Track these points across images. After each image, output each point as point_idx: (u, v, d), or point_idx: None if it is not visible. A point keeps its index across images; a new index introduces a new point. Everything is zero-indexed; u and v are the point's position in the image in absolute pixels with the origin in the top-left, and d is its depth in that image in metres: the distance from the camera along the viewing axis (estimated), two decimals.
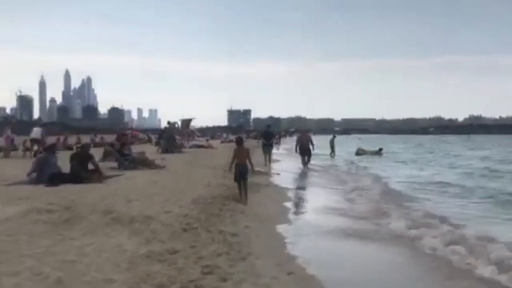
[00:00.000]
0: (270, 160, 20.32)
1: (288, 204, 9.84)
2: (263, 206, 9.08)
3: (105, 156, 16.11)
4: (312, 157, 19.71)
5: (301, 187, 13.61)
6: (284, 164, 21.41)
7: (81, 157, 11.51)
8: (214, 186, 10.89)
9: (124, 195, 8.74)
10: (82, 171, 11.08)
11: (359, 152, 31.06)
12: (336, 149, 30.19)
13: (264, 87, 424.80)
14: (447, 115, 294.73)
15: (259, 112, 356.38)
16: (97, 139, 34.70)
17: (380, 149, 31.91)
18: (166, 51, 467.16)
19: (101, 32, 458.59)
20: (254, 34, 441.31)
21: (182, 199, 8.71)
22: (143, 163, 14.60)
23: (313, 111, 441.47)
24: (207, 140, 37.77)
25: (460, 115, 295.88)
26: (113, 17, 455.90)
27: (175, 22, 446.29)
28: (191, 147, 32.91)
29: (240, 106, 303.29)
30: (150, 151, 24.44)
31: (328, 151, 30.17)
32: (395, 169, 21.46)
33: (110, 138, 33.15)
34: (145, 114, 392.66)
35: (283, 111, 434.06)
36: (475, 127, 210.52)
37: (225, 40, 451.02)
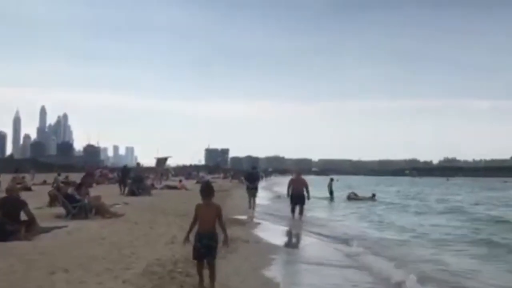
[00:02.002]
0: (254, 205, 18.66)
1: (273, 274, 7.31)
2: (239, 276, 6.71)
3: (52, 202, 13.60)
4: (311, 200, 16.43)
5: (291, 246, 10.91)
6: (269, 208, 19.35)
7: (11, 205, 9.04)
8: (179, 243, 8.51)
9: (50, 262, 6.33)
10: (9, 223, 8.60)
11: (351, 197, 28.72)
12: (322, 192, 28.23)
13: (242, 126, 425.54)
14: (422, 157, 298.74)
15: (237, 151, 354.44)
16: (62, 178, 31.95)
17: (373, 195, 29.60)
18: (144, 89, 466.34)
19: (79, 69, 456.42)
20: (232, 74, 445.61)
21: (130, 268, 6.36)
22: (96, 210, 12.13)
23: (291, 151, 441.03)
24: (180, 181, 35.21)
25: (435, 157, 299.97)
26: (91, 55, 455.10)
27: (152, 60, 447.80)
28: (162, 188, 30.39)
29: (218, 145, 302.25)
30: (116, 193, 21.98)
31: (325, 193, 28.51)
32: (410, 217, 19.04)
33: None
34: (122, 151, 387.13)
35: (261, 150, 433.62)
36: (450, 169, 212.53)
37: (203, 79, 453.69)
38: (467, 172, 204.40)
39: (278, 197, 27.31)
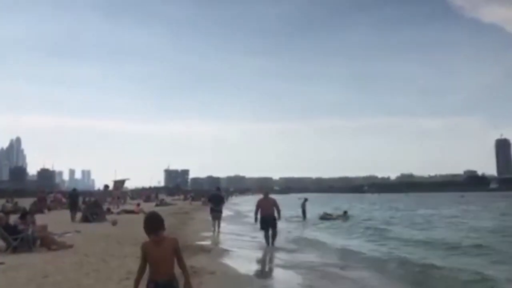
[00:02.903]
0: (219, 229, 17.64)
1: None
2: None
3: None
4: (283, 220, 15.50)
5: (265, 276, 9.55)
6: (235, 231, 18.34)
7: None
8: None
9: None
10: None
11: (326, 217, 28.07)
12: (290, 212, 27.66)
13: (202, 147, 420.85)
14: (379, 173, 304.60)
15: (197, 172, 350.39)
16: (10, 205, 29.73)
17: (345, 212, 29.39)
18: (99, 111, 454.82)
19: (33, 91, 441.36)
20: (190, 94, 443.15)
21: None
22: (42, 241, 10.78)
23: (252, 170, 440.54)
24: (138, 204, 33.54)
25: (392, 174, 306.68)
26: (44, 76, 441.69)
27: (108, 82, 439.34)
28: (119, 212, 28.68)
29: (177, 166, 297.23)
30: (69, 219, 20.34)
31: (293, 212, 28.43)
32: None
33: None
34: (78, 175, 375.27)
35: (222, 170, 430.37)
36: (407, 185, 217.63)
37: (161, 100, 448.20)
38: (424, 187, 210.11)
39: (242, 216, 26.41)
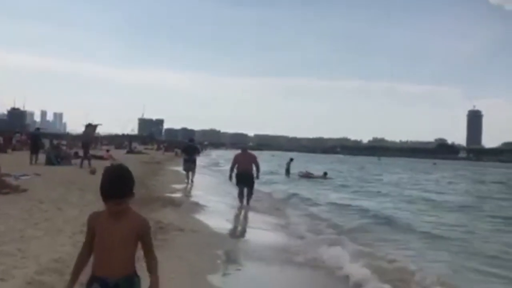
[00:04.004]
0: (192, 179, 17.05)
1: (222, 281, 5.33)
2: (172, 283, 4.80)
3: None
4: (266, 177, 14.75)
5: (239, 234, 8.84)
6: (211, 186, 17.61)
7: None
8: None
9: None
10: None
11: (307, 175, 28.16)
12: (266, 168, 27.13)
13: (178, 97, 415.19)
14: (352, 136, 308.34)
15: (172, 122, 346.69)
16: None
17: (325, 173, 29.27)
18: (73, 52, 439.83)
19: (4, 26, 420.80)
20: (169, 42, 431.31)
21: (6, 278, 4.29)
22: None
23: (227, 125, 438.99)
24: (108, 150, 32.19)
25: (365, 137, 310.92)
26: (17, 13, 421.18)
27: (84, 20, 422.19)
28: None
29: (152, 115, 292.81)
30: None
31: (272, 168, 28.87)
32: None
33: None
34: (50, 117, 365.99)
35: (197, 123, 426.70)
36: (378, 149, 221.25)
37: (137, 45, 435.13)
38: (394, 152, 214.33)
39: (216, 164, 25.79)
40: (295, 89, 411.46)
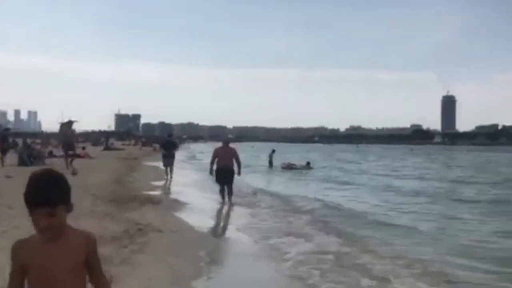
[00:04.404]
0: (171, 176, 16.74)
1: (201, 285, 4.98)
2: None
3: None
4: (247, 169, 14.29)
5: (219, 234, 8.20)
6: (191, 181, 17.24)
7: None
8: None
9: None
10: None
11: (290, 167, 27.91)
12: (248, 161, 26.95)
13: (155, 92, 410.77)
14: (330, 125, 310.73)
15: (149, 117, 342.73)
16: None
17: (308, 163, 29.08)
18: (47, 48, 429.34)
19: None
20: (144, 36, 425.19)
21: None
22: None
23: (205, 118, 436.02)
24: (83, 148, 31.40)
25: (342, 126, 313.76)
26: None
27: (56, 16, 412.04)
28: (62, 156, 26.64)
29: (129, 110, 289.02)
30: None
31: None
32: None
33: None
34: (24, 116, 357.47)
35: (175, 116, 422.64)
36: (356, 137, 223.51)
37: (111, 40, 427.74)
38: (372, 139, 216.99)
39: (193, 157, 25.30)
40: (272, 79, 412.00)
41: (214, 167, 11.60)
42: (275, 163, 29.63)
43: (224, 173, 11.42)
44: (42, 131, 64.42)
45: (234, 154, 11.68)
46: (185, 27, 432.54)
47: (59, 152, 29.89)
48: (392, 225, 9.38)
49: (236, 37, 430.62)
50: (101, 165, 21.42)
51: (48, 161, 21.36)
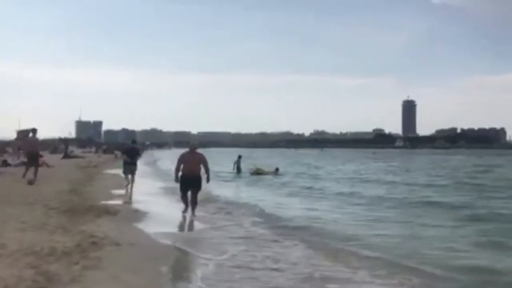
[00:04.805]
0: (132, 185, 15.84)
1: None
2: None
3: None
4: (213, 175, 13.13)
5: (182, 246, 7.23)
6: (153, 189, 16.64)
7: None
8: (7, 257, 5.50)
9: None
10: None
11: (258, 172, 27.42)
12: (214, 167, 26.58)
13: (116, 98, 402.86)
14: (295, 130, 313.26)
15: (112, 124, 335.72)
16: None
17: (277, 169, 28.76)
18: (3, 53, 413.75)
19: None
20: (105, 40, 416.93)
21: None
22: None
23: (169, 124, 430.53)
24: (41, 156, 30.10)
25: (306, 130, 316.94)
26: None
27: (12, 20, 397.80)
28: (17, 165, 25.46)
29: (90, 117, 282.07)
30: None
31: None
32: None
33: None
34: None
35: (138, 123, 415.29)
36: (320, 141, 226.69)
37: (70, 45, 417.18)
38: (335, 143, 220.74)
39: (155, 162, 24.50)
40: (237, 85, 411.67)
41: (180, 173, 10.81)
42: (242, 168, 29.24)
43: (190, 180, 10.60)
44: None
45: (202, 160, 10.84)
46: (148, 32, 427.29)
47: (14, 161, 28.68)
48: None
49: (199, 42, 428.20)
50: (58, 174, 20.54)
51: (1, 169, 20.32)
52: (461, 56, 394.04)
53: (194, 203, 10.71)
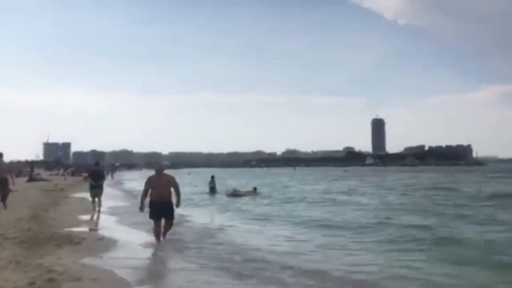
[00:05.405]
0: (99, 207, 15.66)
1: None
2: None
3: None
4: (185, 198, 12.69)
5: (148, 282, 6.41)
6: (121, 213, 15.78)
7: None
8: None
9: None
10: None
11: (235, 193, 26.42)
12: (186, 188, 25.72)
13: (85, 119, 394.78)
14: (267, 149, 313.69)
15: (80, 145, 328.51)
16: None
17: (255, 188, 28.20)
18: None
19: None
20: (73, 60, 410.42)
21: None
22: None
23: (139, 145, 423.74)
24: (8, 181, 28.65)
25: (278, 149, 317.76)
26: None
27: None
28: None
29: (58, 139, 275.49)
30: None
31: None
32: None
33: None
34: None
35: (107, 144, 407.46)
36: (292, 160, 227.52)
37: (40, 65, 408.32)
38: (308, 162, 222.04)
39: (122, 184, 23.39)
40: (206, 105, 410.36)
41: (147, 199, 9.75)
42: (218, 189, 28.63)
43: (160, 207, 9.55)
44: None
45: (171, 183, 9.85)
46: (115, 53, 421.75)
47: None
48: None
49: (167, 63, 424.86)
50: (20, 198, 19.39)
51: None
52: (427, 75, 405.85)
53: (168, 228, 9.86)
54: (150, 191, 9.73)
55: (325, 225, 13.57)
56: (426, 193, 28.12)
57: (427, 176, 59.70)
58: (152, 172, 10.17)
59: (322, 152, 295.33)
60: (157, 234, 9.75)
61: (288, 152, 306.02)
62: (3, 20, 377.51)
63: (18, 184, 30.09)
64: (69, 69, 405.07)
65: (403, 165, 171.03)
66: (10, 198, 18.21)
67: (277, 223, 14.20)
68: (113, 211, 16.30)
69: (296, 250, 9.35)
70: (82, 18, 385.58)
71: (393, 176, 62.67)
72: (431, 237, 10.93)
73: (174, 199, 9.88)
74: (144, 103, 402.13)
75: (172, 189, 9.84)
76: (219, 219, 15.28)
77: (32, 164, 72.36)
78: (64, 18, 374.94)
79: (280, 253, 8.93)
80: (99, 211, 15.60)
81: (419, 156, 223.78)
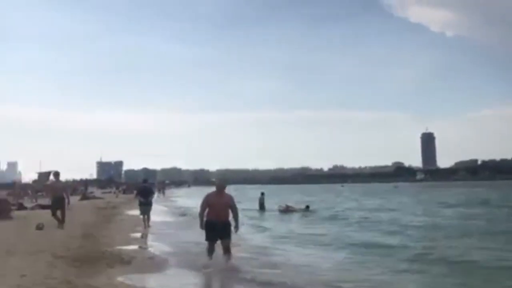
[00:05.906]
0: (148, 224, 15.86)
1: None
2: None
3: None
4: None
5: None
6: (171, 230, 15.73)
7: None
8: None
9: None
10: None
11: (287, 210, 26.65)
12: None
13: (136, 138, 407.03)
14: (313, 165, 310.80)
15: (132, 164, 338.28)
16: None
17: (307, 206, 27.72)
18: (24, 97, 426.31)
19: None
20: (124, 82, 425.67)
21: None
22: None
23: (188, 162, 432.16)
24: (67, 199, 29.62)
25: (325, 165, 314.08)
26: None
27: (34, 65, 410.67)
28: (33, 207, 24.96)
29: (111, 157, 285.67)
30: None
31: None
32: None
33: None
34: (3, 167, 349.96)
35: (158, 162, 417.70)
36: (339, 176, 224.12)
37: (92, 88, 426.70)
38: (355, 178, 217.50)
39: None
40: (252, 122, 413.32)
41: (204, 219, 8.94)
42: (268, 206, 28.68)
43: (216, 227, 8.72)
44: (14, 182, 61.83)
45: (229, 203, 8.94)
46: (167, 72, 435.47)
47: (30, 204, 28.23)
48: None
49: (217, 81, 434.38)
50: (73, 216, 19.75)
51: (17, 213, 19.68)
52: (478, 87, 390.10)
53: (228, 252, 8.89)
54: (207, 210, 8.95)
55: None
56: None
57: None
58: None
59: (369, 167, 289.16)
60: (210, 253, 8.89)
61: (335, 168, 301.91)
62: (67, 48, 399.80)
63: (72, 202, 31.12)
64: (122, 90, 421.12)
65: (455, 180, 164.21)
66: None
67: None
68: (163, 228, 16.29)
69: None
70: (136, 43, 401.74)
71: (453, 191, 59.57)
72: None
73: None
74: (193, 121, 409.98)
75: (230, 210, 8.94)
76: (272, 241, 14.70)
77: (86, 182, 75.05)
78: (119, 46, 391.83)
79: None
80: (148, 228, 15.67)
81: (471, 171, 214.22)
